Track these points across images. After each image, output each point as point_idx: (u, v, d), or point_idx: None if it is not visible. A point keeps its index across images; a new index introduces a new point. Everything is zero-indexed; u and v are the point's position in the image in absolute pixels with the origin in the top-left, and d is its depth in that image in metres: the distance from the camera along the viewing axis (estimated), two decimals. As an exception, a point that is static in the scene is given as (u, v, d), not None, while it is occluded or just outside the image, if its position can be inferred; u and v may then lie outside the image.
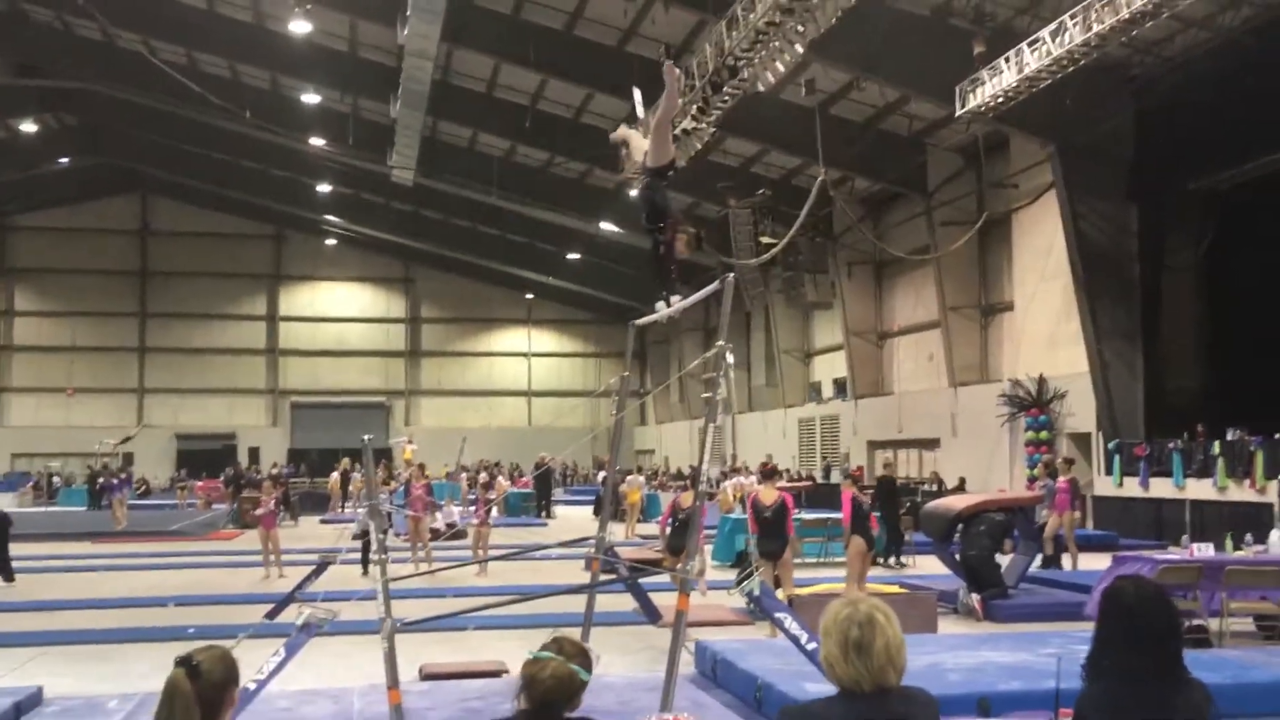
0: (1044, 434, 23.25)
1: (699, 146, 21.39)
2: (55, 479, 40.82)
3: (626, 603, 9.13)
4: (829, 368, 35.39)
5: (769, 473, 12.48)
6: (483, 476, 26.44)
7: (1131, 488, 20.70)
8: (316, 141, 32.84)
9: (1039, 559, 14.67)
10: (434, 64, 23.72)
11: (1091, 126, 20.41)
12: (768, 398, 38.64)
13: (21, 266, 47.98)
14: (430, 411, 51.04)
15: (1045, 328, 23.68)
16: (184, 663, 2.75)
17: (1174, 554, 11.73)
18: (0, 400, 47.77)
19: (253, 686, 5.36)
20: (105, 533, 23.50)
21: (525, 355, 52.42)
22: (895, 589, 11.61)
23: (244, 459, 44.31)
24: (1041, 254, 23.47)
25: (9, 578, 15.65)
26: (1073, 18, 16.46)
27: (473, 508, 20.28)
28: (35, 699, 7.25)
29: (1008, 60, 17.94)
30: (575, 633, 3.33)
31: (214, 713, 2.75)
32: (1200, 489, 19.02)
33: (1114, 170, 21.18)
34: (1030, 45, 17.43)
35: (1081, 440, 22.77)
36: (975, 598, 11.77)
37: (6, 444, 45.65)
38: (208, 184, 43.14)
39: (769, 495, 11.18)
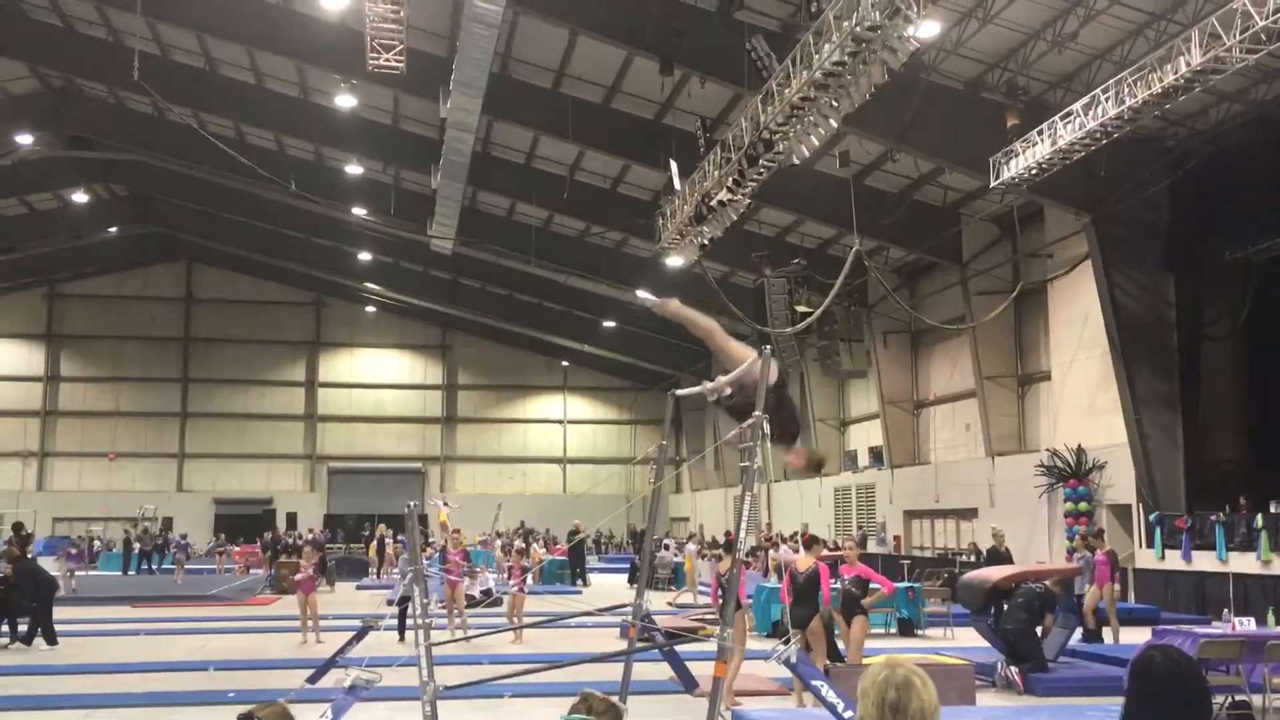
0: (1083, 505, 23.03)
1: (735, 217, 21.64)
2: (96, 543, 41.16)
3: (665, 670, 9.15)
4: (865, 436, 35.27)
5: (809, 542, 12.50)
6: (518, 543, 26.51)
7: (1173, 560, 20.42)
8: (358, 211, 33.49)
9: (1079, 632, 14.52)
10: (474, 136, 24.23)
11: (1126, 197, 20.51)
12: (803, 466, 38.42)
13: (68, 333, 48.95)
14: (465, 478, 51.21)
15: (1083, 397, 23.56)
16: (246, 719, 2.88)
17: (1216, 628, 11.59)
18: (43, 465, 48.44)
19: (300, 748, 5.45)
20: (145, 597, 23.69)
21: (560, 422, 52.60)
22: (934, 659, 11.52)
23: (281, 524, 44.56)
24: (1078, 323, 23.45)
25: (52, 641, 15.84)
26: (1105, 91, 16.65)
27: (507, 574, 20.32)
28: (82, 760, 7.36)
29: (1041, 133, 18.11)
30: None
31: (275, 767, 2.87)
32: (1243, 562, 18.74)
33: (1150, 240, 21.21)
34: (1063, 118, 17.61)
35: (1122, 511, 22.53)
36: (1014, 670, 11.67)
37: (49, 508, 46.18)
38: (251, 252, 43.97)
39: (804, 563, 11.20)
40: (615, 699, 3.07)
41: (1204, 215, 20.27)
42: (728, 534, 14.82)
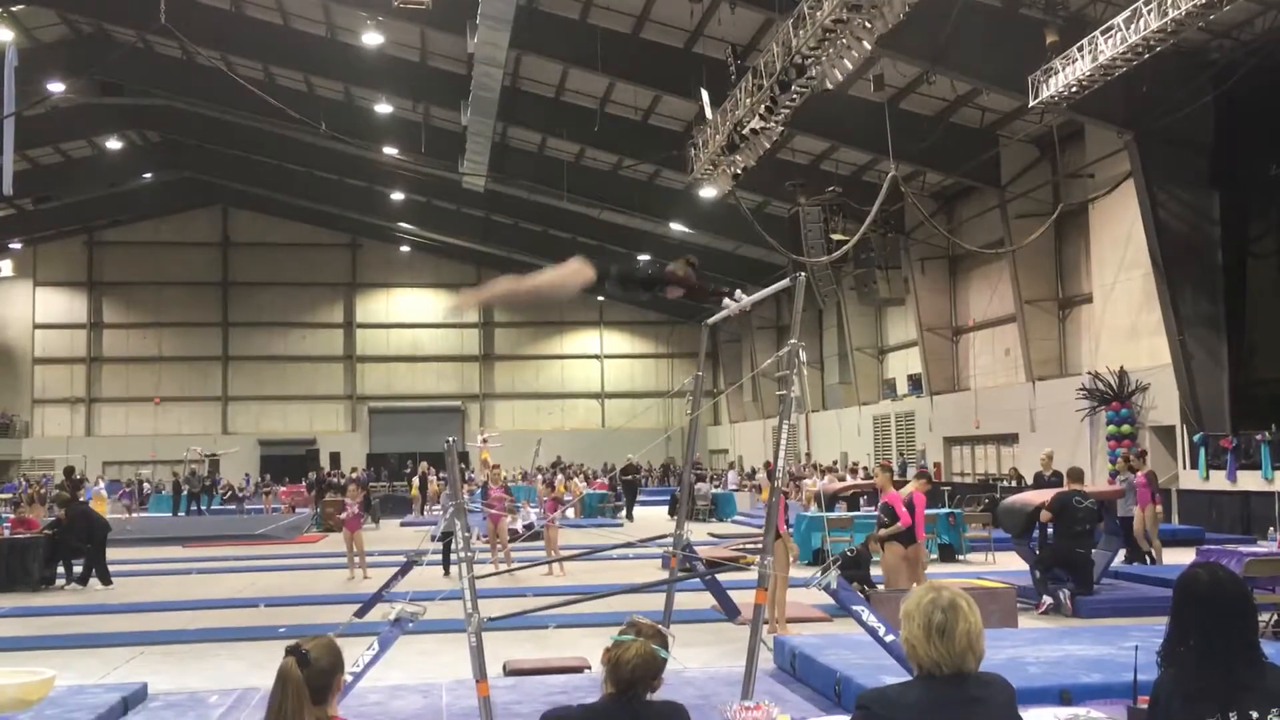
0: (1126, 428, 22.85)
1: (767, 145, 21.37)
2: (146, 486, 42.01)
3: (705, 600, 9.23)
4: (903, 364, 35.11)
5: (918, 474, 12.60)
6: (543, 479, 26.85)
7: (1218, 481, 20.28)
8: (389, 150, 33.43)
9: (1122, 554, 14.49)
10: (503, 71, 24.02)
11: (1170, 113, 20.01)
12: (842, 395, 38.46)
13: (109, 280, 49.51)
14: (504, 415, 51.59)
15: (1125, 319, 23.28)
16: (294, 651, 2.92)
17: (1261, 547, 11.51)
18: (91, 410, 49.29)
19: (349, 679, 5.56)
20: (195, 537, 24.18)
21: (598, 357, 52.74)
22: (976, 583, 11.54)
23: (325, 464, 45.21)
24: (1120, 244, 23.08)
25: (107, 581, 16.22)
26: (1147, 4, 16.18)
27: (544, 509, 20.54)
28: (141, 694, 7.55)
29: (1081, 49, 17.66)
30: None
31: (322, 697, 2.92)
32: (1290, 481, 18.58)
33: (1194, 157, 20.75)
34: (1104, 33, 17.16)
35: (1165, 433, 22.35)
36: (1066, 592, 11.64)
37: (98, 452, 47.08)
38: (285, 195, 44.11)
39: (906, 493, 11.26)
40: (662, 628, 3.11)
41: (1249, 130, 19.79)
42: (766, 464, 14.80)
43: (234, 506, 38.04)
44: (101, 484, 32.50)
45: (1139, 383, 22.70)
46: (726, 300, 6.79)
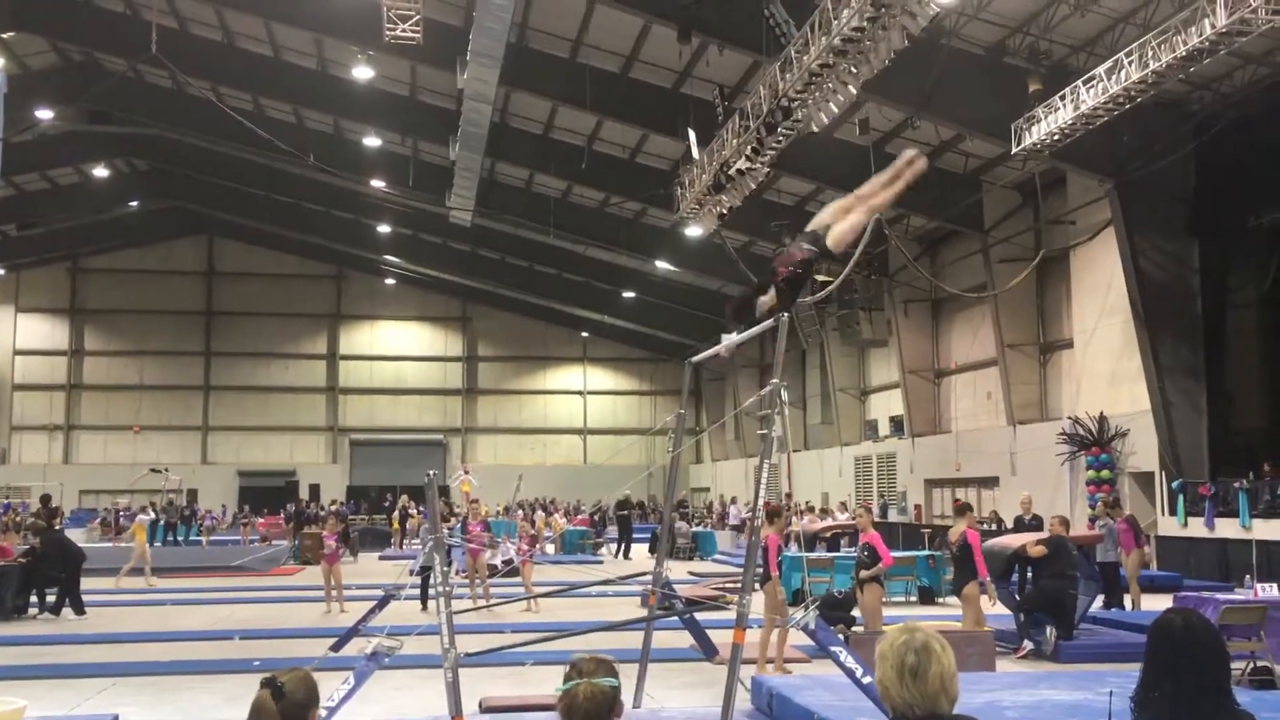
0: (1105, 473, 22.95)
1: (753, 186, 21.53)
2: (122, 516, 41.59)
3: (684, 639, 9.20)
4: (885, 406, 35.20)
5: (961, 509, 12.65)
6: (522, 514, 26.72)
7: (1196, 528, 20.36)
8: (377, 183, 33.50)
9: (1100, 599, 14.51)
10: (492, 107, 24.15)
11: (1150, 163, 20.28)
12: (824, 436, 38.50)
13: (91, 307, 49.27)
14: (486, 449, 51.43)
15: (1106, 365, 23.43)
16: (269, 684, 2.91)
17: (1238, 595, 11.55)
18: (69, 438, 48.91)
19: (324, 713, 5.51)
20: (170, 568, 23.95)
21: (581, 393, 52.70)
22: (954, 625, 11.54)
23: (304, 495, 44.91)
24: (1101, 290, 23.28)
25: (80, 611, 16.05)
26: (1128, 55, 16.44)
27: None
28: (111, 727, 7.47)
29: (1064, 98, 17.91)
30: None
31: (297, 731, 2.90)
32: (1267, 529, 18.66)
33: (1174, 206, 20.99)
34: (1086, 83, 17.41)
35: (1144, 479, 22.45)
36: (1051, 631, 11.65)
37: (75, 480, 46.66)
38: (271, 226, 44.02)
39: (955, 531, 11.35)
40: (603, 656, 3.08)
41: (1228, 180, 20.05)
42: (766, 503, 14.70)
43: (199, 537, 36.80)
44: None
45: (1119, 428, 22.82)
46: (723, 336, 6.83)
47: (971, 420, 30.08)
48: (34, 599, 16.52)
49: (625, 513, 31.59)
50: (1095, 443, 23.18)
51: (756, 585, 11.31)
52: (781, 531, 11.51)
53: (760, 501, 6.48)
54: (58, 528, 19.16)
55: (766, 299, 6.58)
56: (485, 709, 8.69)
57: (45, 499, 25.62)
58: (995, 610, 13.86)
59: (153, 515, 28.86)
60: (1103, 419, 23.08)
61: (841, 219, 6.81)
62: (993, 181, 25.88)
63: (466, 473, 33.28)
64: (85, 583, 16.84)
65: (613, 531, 35.68)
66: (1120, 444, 22.86)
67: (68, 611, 16.05)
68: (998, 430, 27.91)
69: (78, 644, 13.33)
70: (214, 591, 19.79)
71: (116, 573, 20.70)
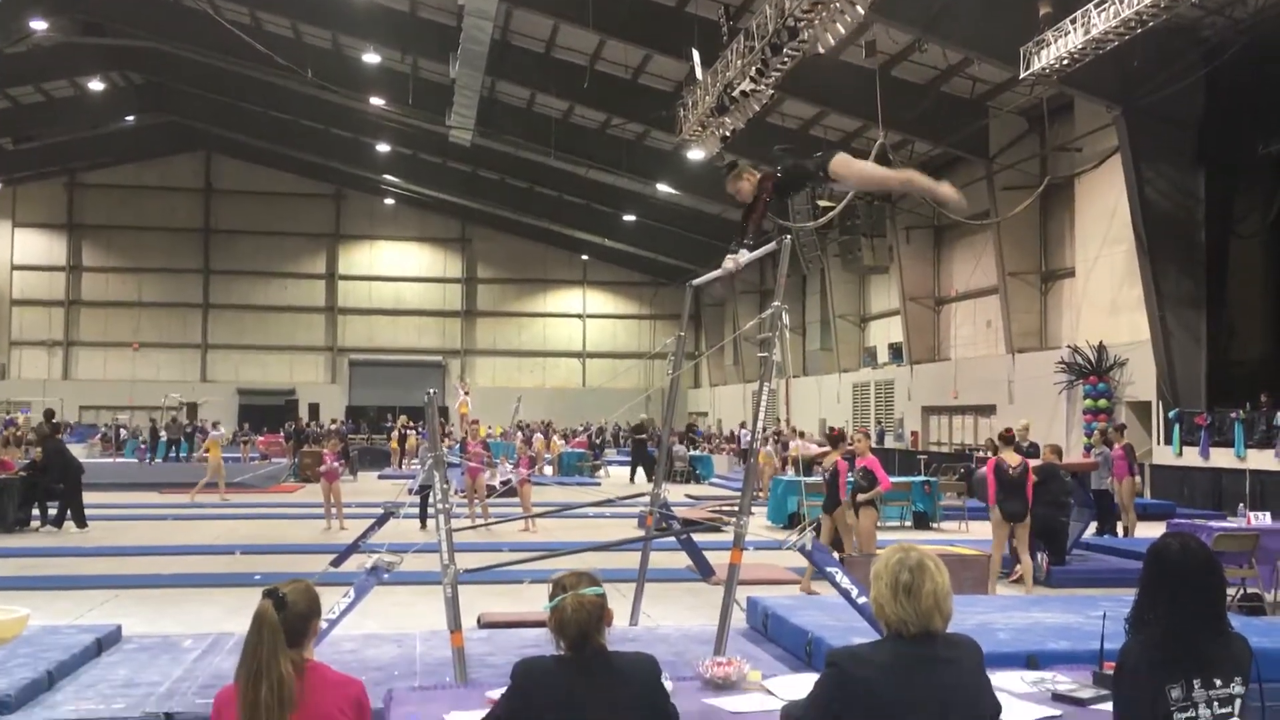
0: (1103, 402, 23.03)
1: (757, 108, 21.26)
2: (123, 431, 41.86)
3: (681, 560, 9.29)
4: (885, 333, 35.22)
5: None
6: (522, 436, 26.81)
7: (1191, 457, 20.48)
8: (376, 101, 33.12)
9: (1093, 526, 14.64)
10: (493, 24, 23.77)
11: (1159, 89, 20.01)
12: (823, 362, 38.57)
13: (89, 223, 49.03)
14: (485, 371, 51.56)
15: (1106, 294, 23.38)
16: (271, 594, 2.93)
17: (1231, 523, 11.65)
18: (69, 354, 48.98)
19: (325, 625, 5.58)
20: (172, 483, 24.12)
21: (580, 316, 52.68)
22: (949, 549, 11.64)
23: (304, 415, 45.12)
24: (1104, 219, 23.13)
25: (82, 524, 16.19)
26: (1142, -22, 16.12)
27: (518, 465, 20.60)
28: (115, 636, 7.55)
29: (1074, 21, 17.60)
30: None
31: (298, 641, 2.93)
32: (1262, 459, 18.77)
33: (1181, 134, 20.77)
34: (1097, 6, 17.10)
35: (1141, 409, 22.52)
36: (1043, 557, 11.78)
37: (74, 396, 46.83)
38: (270, 143, 43.68)
39: (1014, 459, 11.29)
40: (583, 570, 3.11)
41: (1237, 109, 19.81)
42: (832, 429, 14.87)
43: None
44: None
45: (1117, 358, 22.85)
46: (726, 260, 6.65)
47: (970, 348, 30.11)
48: (35, 511, 16.64)
49: (643, 436, 29.73)
50: (1094, 372, 23.22)
51: (824, 512, 11.48)
52: (844, 455, 11.63)
53: (760, 427, 6.48)
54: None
55: (746, 185, 6.57)
56: (484, 624, 8.81)
57: (49, 414, 25.72)
58: (990, 534, 13.99)
59: (223, 431, 28.93)
60: (1101, 348, 23.09)
61: (862, 161, 6.87)
62: (999, 107, 25.55)
63: (466, 394, 33.36)
64: (86, 497, 16.94)
65: (610, 455, 35.91)
66: (1118, 373, 22.90)
67: (69, 524, 16.18)
68: (996, 358, 27.95)
69: (80, 556, 13.47)
70: (214, 507, 19.95)
71: (115, 488, 20.83)
